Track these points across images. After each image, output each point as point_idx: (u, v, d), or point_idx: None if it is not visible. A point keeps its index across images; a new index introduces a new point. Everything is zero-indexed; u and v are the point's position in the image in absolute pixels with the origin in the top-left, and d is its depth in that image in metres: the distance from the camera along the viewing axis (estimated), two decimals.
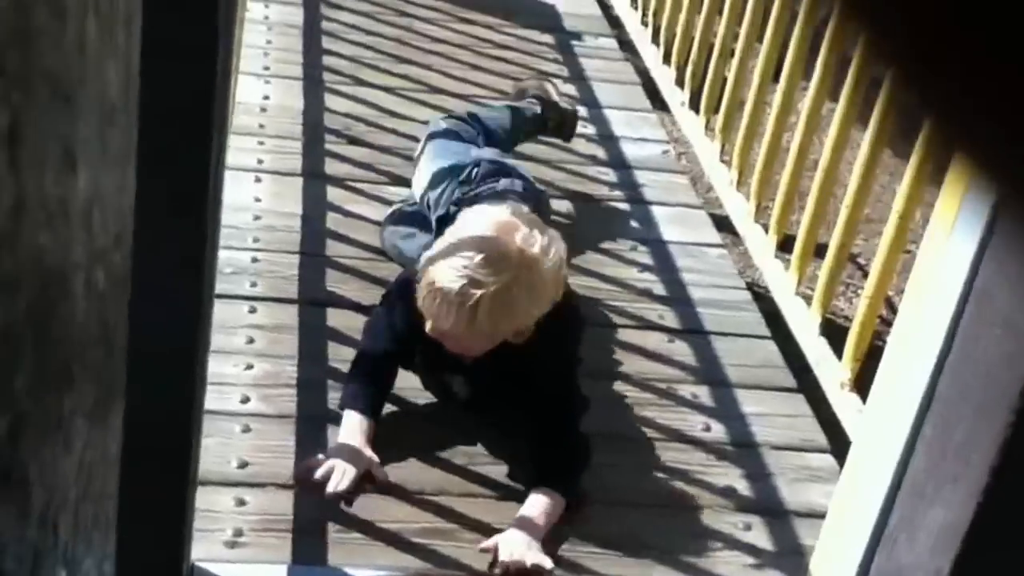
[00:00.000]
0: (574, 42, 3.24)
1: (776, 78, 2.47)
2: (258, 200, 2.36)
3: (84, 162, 0.50)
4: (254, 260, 2.20)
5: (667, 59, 2.93)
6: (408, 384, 1.93)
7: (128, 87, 0.61)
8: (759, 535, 1.78)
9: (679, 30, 2.92)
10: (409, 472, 1.80)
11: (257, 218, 2.31)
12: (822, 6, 2.50)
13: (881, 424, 1.81)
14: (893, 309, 2.23)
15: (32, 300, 0.43)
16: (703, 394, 2.02)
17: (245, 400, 1.88)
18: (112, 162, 0.59)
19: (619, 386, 2.02)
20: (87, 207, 0.52)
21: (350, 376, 1.89)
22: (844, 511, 1.82)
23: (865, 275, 2.71)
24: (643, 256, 2.34)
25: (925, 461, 1.73)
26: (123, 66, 0.59)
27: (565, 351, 1.90)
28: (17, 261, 0.41)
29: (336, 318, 2.09)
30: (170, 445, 1.40)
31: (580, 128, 2.65)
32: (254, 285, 2.13)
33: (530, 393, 1.84)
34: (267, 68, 2.85)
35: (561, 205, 2.46)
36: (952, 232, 1.70)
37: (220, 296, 1.84)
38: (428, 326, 1.80)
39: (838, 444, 1.88)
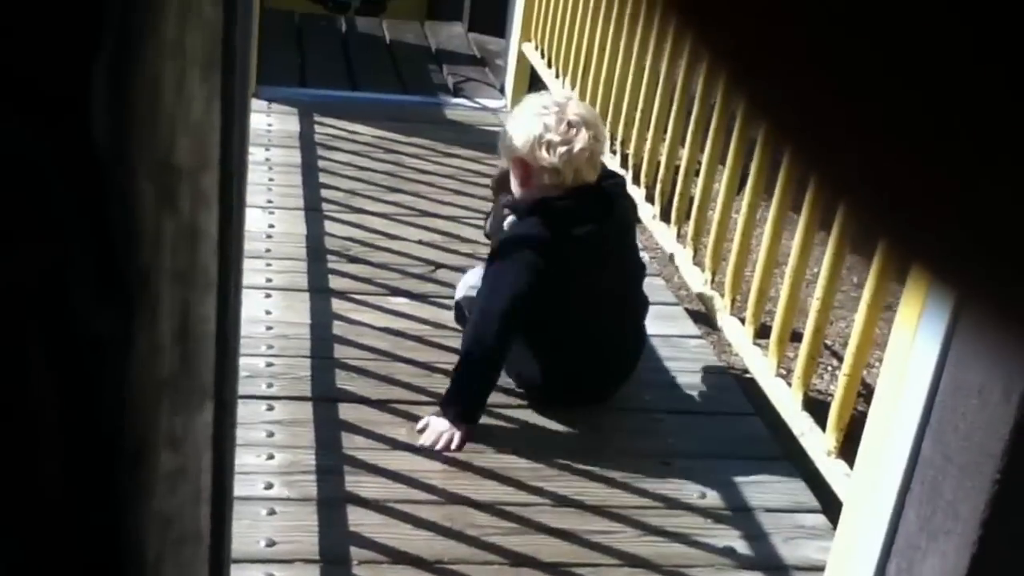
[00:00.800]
0: None
1: (741, 189, 2.68)
2: (269, 313, 2.51)
3: None
4: (269, 364, 2.33)
5: (636, 180, 3.15)
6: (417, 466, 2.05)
7: None
8: None
9: (645, 155, 3.15)
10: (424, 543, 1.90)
11: (269, 328, 2.45)
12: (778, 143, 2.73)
13: (870, 486, 1.95)
14: (865, 383, 2.38)
15: None
16: (695, 466, 2.15)
17: (269, 486, 1.99)
18: None
19: (614, 461, 2.15)
20: None
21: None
22: (842, 565, 1.93)
23: (834, 354, 2.87)
24: None
25: (916, 517, 1.86)
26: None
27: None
28: None
29: (347, 411, 2.22)
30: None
31: None
32: (270, 386, 2.26)
33: None
34: (271, 201, 3.04)
35: None
36: (924, 308, 1.88)
37: (239, 397, 1.96)
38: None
39: (828, 504, 2.00)
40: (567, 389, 2.26)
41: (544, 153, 2.15)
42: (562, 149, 2.14)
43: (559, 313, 2.20)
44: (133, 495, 0.34)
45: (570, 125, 2.16)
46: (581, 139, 2.15)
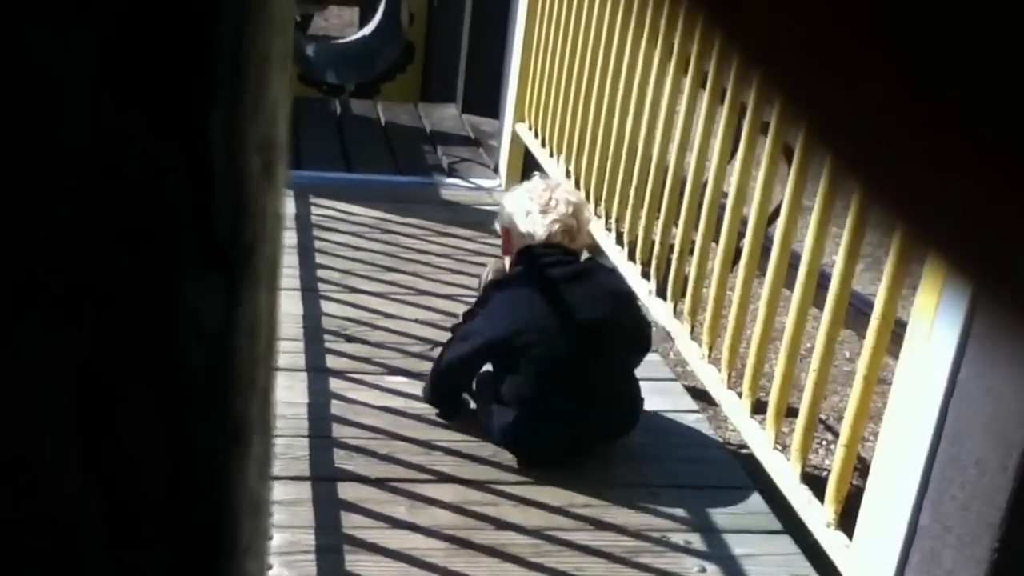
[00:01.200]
0: None
1: (736, 264, 2.71)
2: None
3: None
4: None
5: (632, 258, 3.18)
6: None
7: None
8: None
9: (640, 233, 3.18)
10: None
11: None
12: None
13: (870, 557, 1.95)
14: (859, 456, 2.38)
15: None
16: (695, 540, 2.14)
17: (268, 567, 1.98)
18: None
19: (613, 537, 2.14)
20: None
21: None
22: None
23: (828, 428, 2.87)
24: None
25: None
26: None
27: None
28: None
29: (346, 491, 2.21)
30: None
31: None
32: None
33: None
34: None
35: None
36: (920, 385, 1.89)
37: None
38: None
39: (828, 574, 1.99)
40: (551, 438, 2.34)
41: (523, 219, 2.46)
42: (539, 218, 2.44)
43: (536, 357, 2.33)
44: (234, 480, 0.35)
45: (552, 199, 2.47)
46: (558, 212, 2.45)
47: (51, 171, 0.28)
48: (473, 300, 2.90)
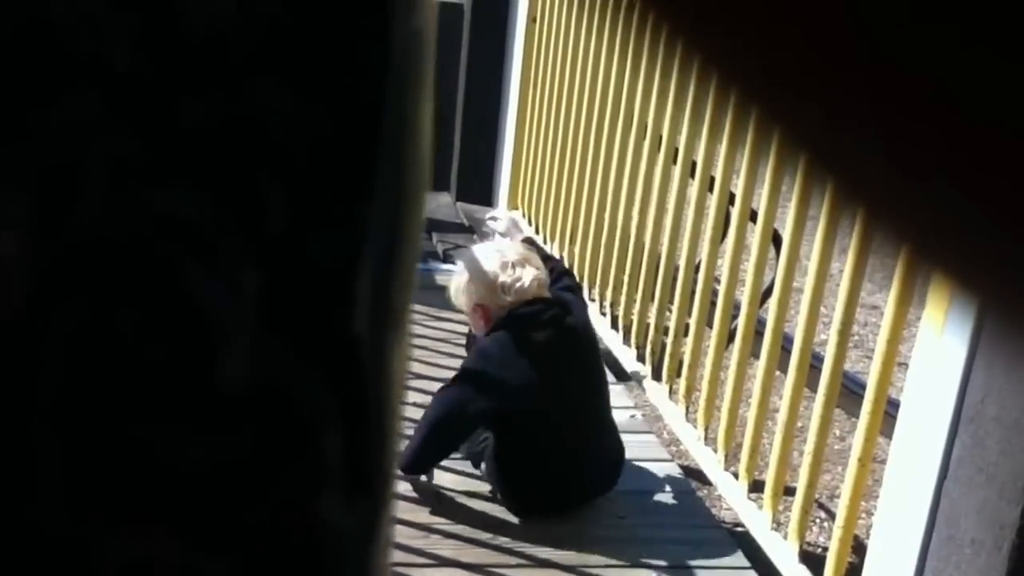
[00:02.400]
0: None
1: (729, 345, 2.74)
2: None
3: None
4: None
5: (627, 341, 3.20)
6: None
7: None
8: None
9: (635, 317, 3.21)
10: None
11: None
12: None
13: None
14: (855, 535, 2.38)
15: None
16: None
17: None
18: None
19: None
20: None
21: None
22: None
23: (821, 506, 2.87)
24: (624, 506, 2.51)
25: None
26: None
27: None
28: None
29: None
30: None
31: None
32: None
33: None
34: None
35: None
36: (915, 467, 1.91)
37: None
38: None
39: None
40: (549, 493, 2.42)
41: (502, 294, 2.45)
42: (516, 286, 2.45)
43: (530, 419, 2.40)
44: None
45: (514, 266, 2.47)
46: (529, 274, 2.47)
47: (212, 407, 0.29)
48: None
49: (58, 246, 0.27)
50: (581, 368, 2.49)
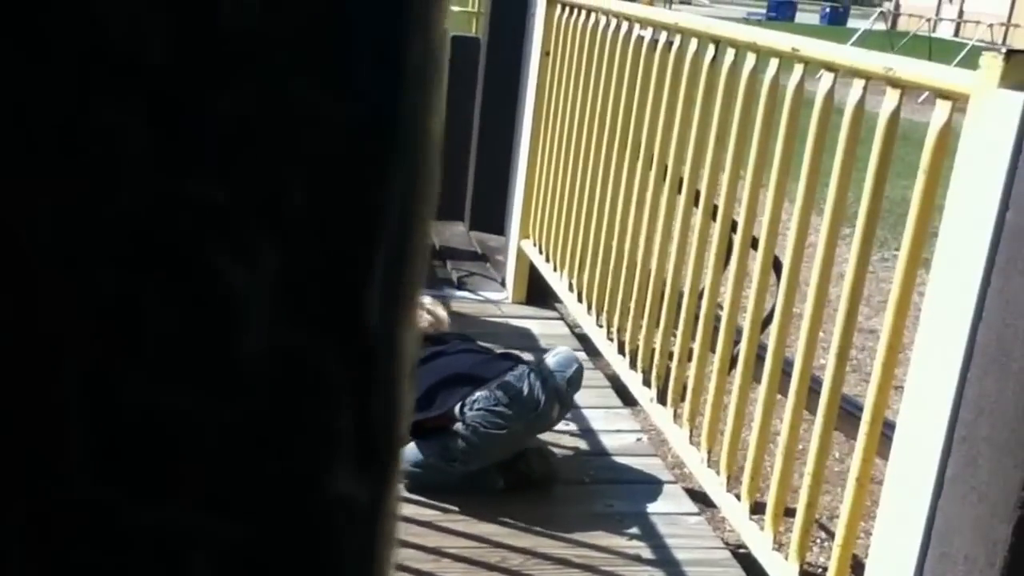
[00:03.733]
0: None
1: (732, 371, 2.74)
2: None
3: None
4: None
5: (633, 366, 3.21)
6: None
7: None
8: None
9: (641, 343, 3.22)
10: None
11: None
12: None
13: None
14: (854, 555, 2.38)
15: None
16: None
17: None
18: None
19: None
20: None
21: None
22: None
23: (822, 527, 2.86)
24: (630, 528, 2.51)
25: None
26: None
27: None
28: None
29: None
30: None
31: (564, 425, 2.88)
32: None
33: None
34: None
35: (553, 490, 2.64)
36: (910, 486, 1.91)
37: None
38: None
39: None
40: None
41: None
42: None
43: None
44: None
45: None
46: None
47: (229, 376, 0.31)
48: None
49: (93, 227, 0.29)
50: None
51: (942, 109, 1.89)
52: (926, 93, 2.00)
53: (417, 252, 0.34)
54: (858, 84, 2.14)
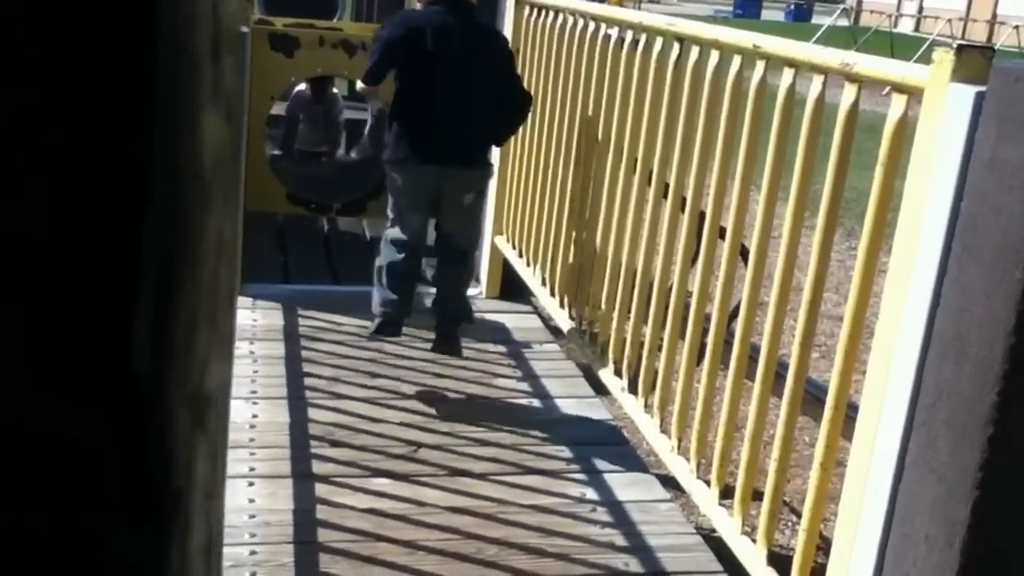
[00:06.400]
0: (524, 350, 3.52)
1: (700, 361, 2.74)
2: (252, 501, 2.50)
3: None
4: (252, 552, 2.31)
5: (604, 356, 3.20)
6: None
7: None
8: None
9: (612, 334, 3.22)
10: None
11: (252, 516, 2.44)
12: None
13: None
14: (822, 535, 2.38)
15: None
16: None
17: None
18: None
19: None
20: None
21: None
22: None
23: (792, 510, 2.86)
24: (603, 516, 2.51)
25: None
26: None
27: None
28: None
29: None
30: None
31: (534, 415, 2.87)
32: (253, 574, 2.23)
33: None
34: (254, 392, 3.06)
35: (527, 480, 2.63)
36: (872, 470, 1.92)
37: None
38: None
39: None
40: (420, 146, 3.11)
41: None
42: None
43: (414, 86, 3.15)
44: None
45: None
46: None
47: None
48: (456, 402, 2.93)
49: None
50: (467, 56, 3.17)
51: (898, 103, 1.89)
52: (888, 87, 2.00)
53: (191, 297, 0.31)
54: (818, 79, 2.15)
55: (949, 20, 22.72)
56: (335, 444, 2.80)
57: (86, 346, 0.29)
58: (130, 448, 0.30)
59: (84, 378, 0.29)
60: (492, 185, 4.37)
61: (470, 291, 4.24)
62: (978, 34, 26.42)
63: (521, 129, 4.02)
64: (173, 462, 0.31)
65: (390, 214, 3.21)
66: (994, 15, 29.01)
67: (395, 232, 3.15)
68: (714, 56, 2.59)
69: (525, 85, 3.96)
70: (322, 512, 2.48)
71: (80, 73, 0.27)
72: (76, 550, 0.31)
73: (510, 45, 4.09)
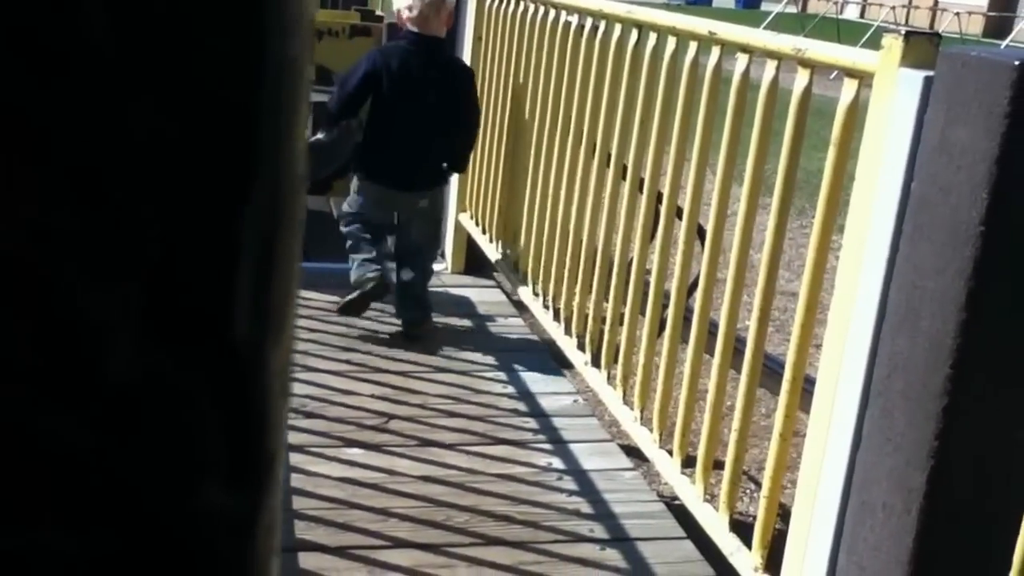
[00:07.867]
0: (488, 323, 3.53)
1: (661, 334, 2.76)
2: None
3: None
4: None
5: (568, 331, 3.22)
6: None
7: None
8: None
9: (575, 309, 3.23)
10: None
11: None
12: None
13: None
14: (781, 503, 2.42)
15: None
16: None
17: None
18: None
19: None
20: None
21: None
22: None
23: (751, 479, 2.90)
24: (569, 484, 2.53)
25: None
26: None
27: None
28: None
29: (307, 560, 2.19)
30: None
31: (501, 388, 2.89)
32: None
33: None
34: None
35: (495, 450, 2.65)
36: (830, 439, 1.95)
37: None
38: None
39: None
40: (382, 173, 3.38)
41: (405, 11, 3.39)
42: (412, 12, 3.37)
43: (380, 116, 3.36)
44: None
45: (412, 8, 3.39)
46: (422, 2, 3.35)
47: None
48: (426, 376, 2.93)
49: None
50: (429, 90, 3.36)
51: (849, 87, 1.91)
52: (836, 71, 2.02)
53: (284, 266, 0.33)
54: (771, 64, 2.16)
55: (893, 7, 22.91)
56: (309, 416, 2.80)
57: (193, 316, 0.32)
58: (231, 411, 0.32)
59: (191, 343, 0.32)
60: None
61: (435, 266, 4.24)
62: (920, 20, 26.67)
63: (485, 111, 4.02)
64: (268, 426, 0.33)
65: (352, 190, 3.39)
66: (936, 2, 29.30)
67: (355, 199, 3.47)
68: (671, 42, 2.60)
69: (488, 74, 3.96)
70: (297, 480, 2.48)
71: (195, 78, 0.30)
72: (177, 505, 0.32)
73: (473, 32, 4.10)
